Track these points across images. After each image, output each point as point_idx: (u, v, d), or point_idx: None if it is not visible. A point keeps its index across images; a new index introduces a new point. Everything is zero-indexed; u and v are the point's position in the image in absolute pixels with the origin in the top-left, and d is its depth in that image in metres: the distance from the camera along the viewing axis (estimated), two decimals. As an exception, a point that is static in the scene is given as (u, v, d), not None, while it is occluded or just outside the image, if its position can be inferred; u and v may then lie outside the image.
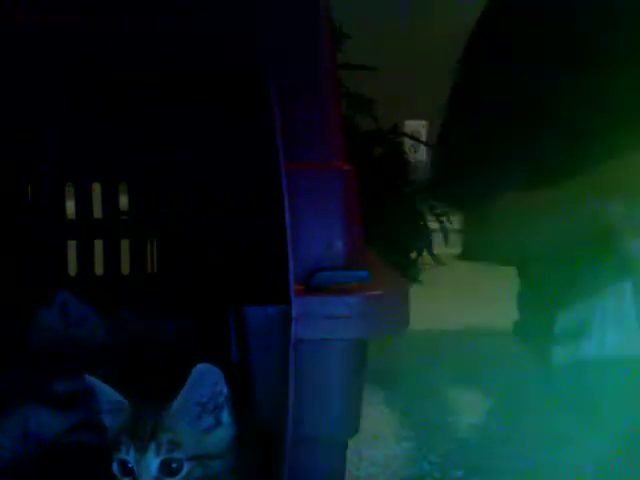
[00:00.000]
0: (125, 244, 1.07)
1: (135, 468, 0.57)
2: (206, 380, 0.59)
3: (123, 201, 1.06)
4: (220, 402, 0.60)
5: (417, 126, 2.58)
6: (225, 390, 0.59)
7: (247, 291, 0.63)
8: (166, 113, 0.90)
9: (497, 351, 1.29)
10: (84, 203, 1.04)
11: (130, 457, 0.58)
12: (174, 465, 0.58)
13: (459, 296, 1.77)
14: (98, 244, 1.06)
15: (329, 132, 0.54)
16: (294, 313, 0.49)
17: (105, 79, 0.77)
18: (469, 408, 0.99)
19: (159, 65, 0.72)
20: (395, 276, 0.56)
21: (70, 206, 1.04)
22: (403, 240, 2.08)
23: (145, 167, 1.03)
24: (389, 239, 1.98)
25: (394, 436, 0.88)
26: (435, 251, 2.20)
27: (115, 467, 0.59)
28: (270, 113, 0.53)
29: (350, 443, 0.57)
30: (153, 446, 0.57)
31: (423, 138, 2.47)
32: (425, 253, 2.18)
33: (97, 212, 1.05)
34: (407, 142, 2.41)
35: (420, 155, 2.55)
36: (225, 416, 0.60)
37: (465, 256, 2.46)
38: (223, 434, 0.60)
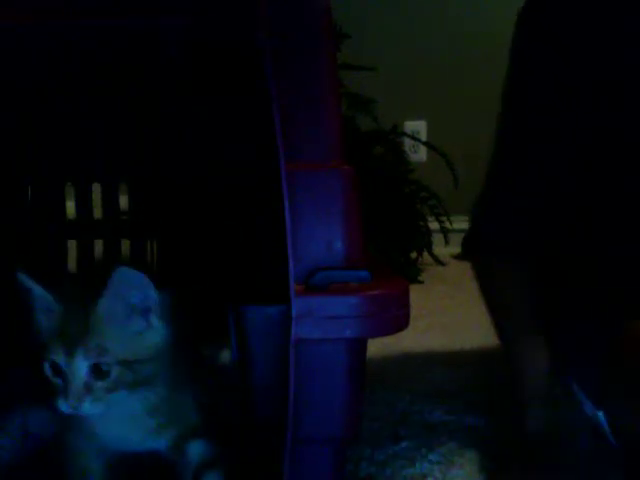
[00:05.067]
0: (125, 244, 1.07)
1: (65, 370, 0.59)
2: (131, 283, 0.60)
3: (123, 201, 1.06)
4: (149, 305, 0.61)
5: (417, 126, 2.58)
6: (154, 294, 0.61)
7: (247, 291, 0.63)
8: (166, 114, 0.90)
9: (498, 350, 1.29)
10: (84, 203, 1.04)
11: (60, 360, 0.59)
12: (104, 368, 0.59)
13: (459, 296, 1.77)
14: (98, 244, 1.06)
15: (329, 132, 0.54)
16: (294, 313, 0.50)
17: (105, 77, 0.77)
18: (469, 408, 0.99)
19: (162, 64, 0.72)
20: (395, 276, 0.56)
21: (70, 206, 1.04)
22: (403, 240, 2.08)
23: (145, 167, 1.03)
24: (389, 239, 1.98)
25: (394, 436, 0.88)
26: (435, 251, 2.20)
27: (47, 368, 0.60)
28: (270, 113, 0.53)
29: (350, 443, 0.57)
30: (82, 351, 0.59)
31: (423, 138, 2.47)
32: (425, 253, 2.18)
33: (97, 212, 1.06)
34: (407, 142, 2.41)
35: (420, 155, 2.55)
36: (155, 319, 0.62)
37: (464, 256, 2.47)
38: (153, 338, 0.62)
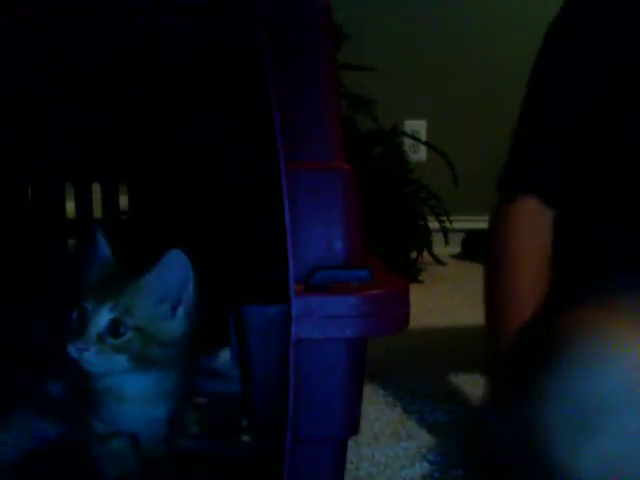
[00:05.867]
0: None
1: (90, 315, 0.64)
2: (176, 266, 0.65)
3: (123, 201, 1.06)
4: (182, 295, 0.66)
5: (417, 126, 2.58)
6: (191, 288, 0.66)
7: (247, 291, 0.63)
8: (166, 114, 0.90)
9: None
10: (84, 203, 1.04)
11: (89, 306, 0.64)
12: (121, 330, 0.63)
13: (459, 295, 1.77)
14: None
15: (329, 132, 0.54)
16: (294, 313, 0.50)
17: (105, 77, 0.77)
18: (469, 408, 0.99)
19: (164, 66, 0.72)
20: (395, 276, 0.56)
21: (70, 206, 1.04)
22: (403, 240, 2.08)
23: (145, 167, 1.03)
24: (389, 239, 1.98)
25: (394, 436, 0.89)
26: (435, 251, 2.20)
27: (74, 314, 0.65)
28: (270, 113, 0.53)
29: (350, 443, 0.57)
30: (111, 304, 0.63)
31: (423, 138, 2.47)
32: (425, 253, 2.18)
33: (97, 212, 1.06)
34: (407, 142, 2.41)
35: (420, 155, 2.55)
36: (181, 311, 0.66)
37: (464, 256, 2.47)
38: (174, 327, 0.66)
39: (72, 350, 0.63)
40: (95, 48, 0.64)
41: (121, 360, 0.64)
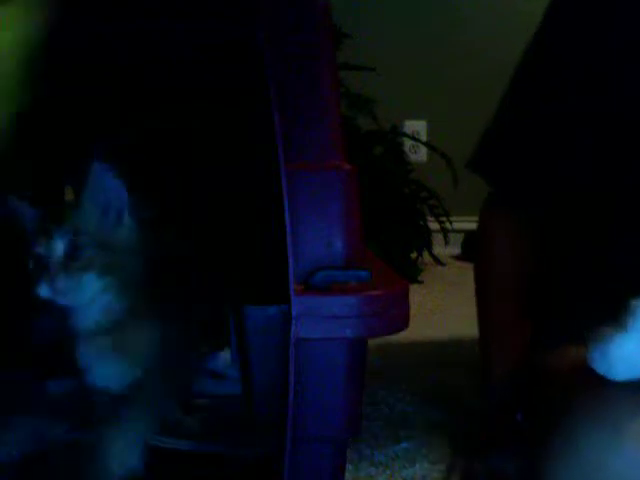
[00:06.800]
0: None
1: (46, 254, 0.65)
2: (104, 177, 0.68)
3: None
4: (121, 204, 0.69)
5: (417, 126, 2.58)
6: (125, 194, 0.68)
7: (247, 291, 0.63)
8: (166, 114, 0.90)
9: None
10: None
11: (42, 247, 0.66)
12: (79, 246, 0.65)
13: (458, 296, 1.77)
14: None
15: (329, 132, 0.54)
16: (294, 312, 0.50)
17: (105, 78, 0.77)
18: (469, 408, 0.99)
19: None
20: (395, 276, 0.56)
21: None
22: (403, 240, 2.08)
23: (145, 167, 1.03)
24: (389, 239, 1.98)
25: (394, 436, 0.88)
26: (435, 251, 2.20)
27: (31, 263, 0.67)
28: (270, 113, 0.53)
29: (350, 443, 0.57)
30: (58, 231, 0.66)
31: (423, 138, 2.47)
32: (425, 253, 2.18)
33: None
34: (407, 142, 2.41)
35: (420, 155, 2.55)
36: (126, 217, 0.69)
37: (464, 256, 2.47)
38: (125, 234, 0.69)
39: (43, 290, 0.64)
40: (97, 49, 0.64)
41: (91, 279, 0.66)
